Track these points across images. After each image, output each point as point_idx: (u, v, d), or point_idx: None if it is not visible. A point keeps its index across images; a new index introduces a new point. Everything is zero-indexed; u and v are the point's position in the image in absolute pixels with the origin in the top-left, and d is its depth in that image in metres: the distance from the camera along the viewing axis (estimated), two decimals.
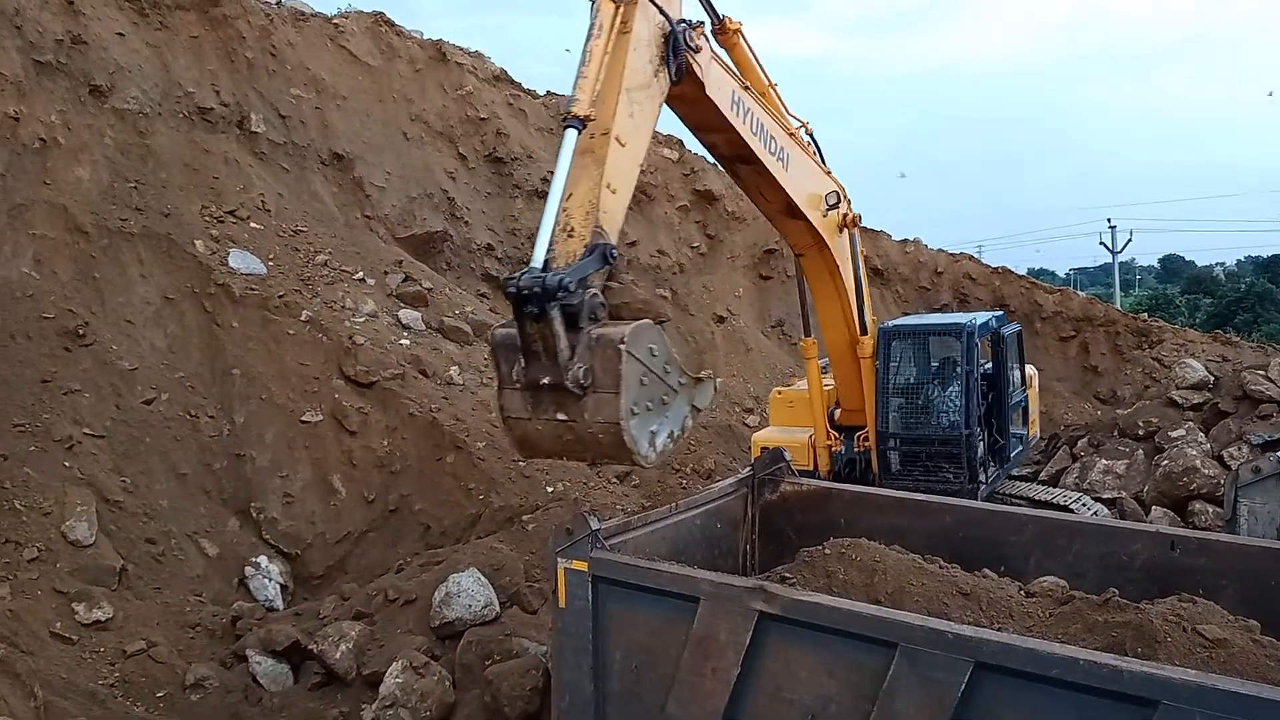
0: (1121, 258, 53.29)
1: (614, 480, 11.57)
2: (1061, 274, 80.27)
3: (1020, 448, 11.92)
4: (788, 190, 8.95)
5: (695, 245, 21.40)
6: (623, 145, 6.00)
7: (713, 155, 8.69)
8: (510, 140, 18.79)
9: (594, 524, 5.18)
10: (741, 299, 20.77)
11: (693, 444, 13.49)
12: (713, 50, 7.23)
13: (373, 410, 11.29)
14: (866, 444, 10.87)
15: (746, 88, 8.07)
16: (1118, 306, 29.95)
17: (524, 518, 10.01)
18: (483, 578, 8.69)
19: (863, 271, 10.85)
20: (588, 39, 5.90)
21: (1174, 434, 13.32)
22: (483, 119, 18.40)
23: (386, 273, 13.65)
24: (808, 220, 9.46)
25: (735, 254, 21.49)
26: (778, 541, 6.52)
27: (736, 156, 8.46)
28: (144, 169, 12.55)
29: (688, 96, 7.11)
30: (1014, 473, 12.41)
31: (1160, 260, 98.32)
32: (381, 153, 16.49)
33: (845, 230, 10.16)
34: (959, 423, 10.51)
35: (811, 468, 10.87)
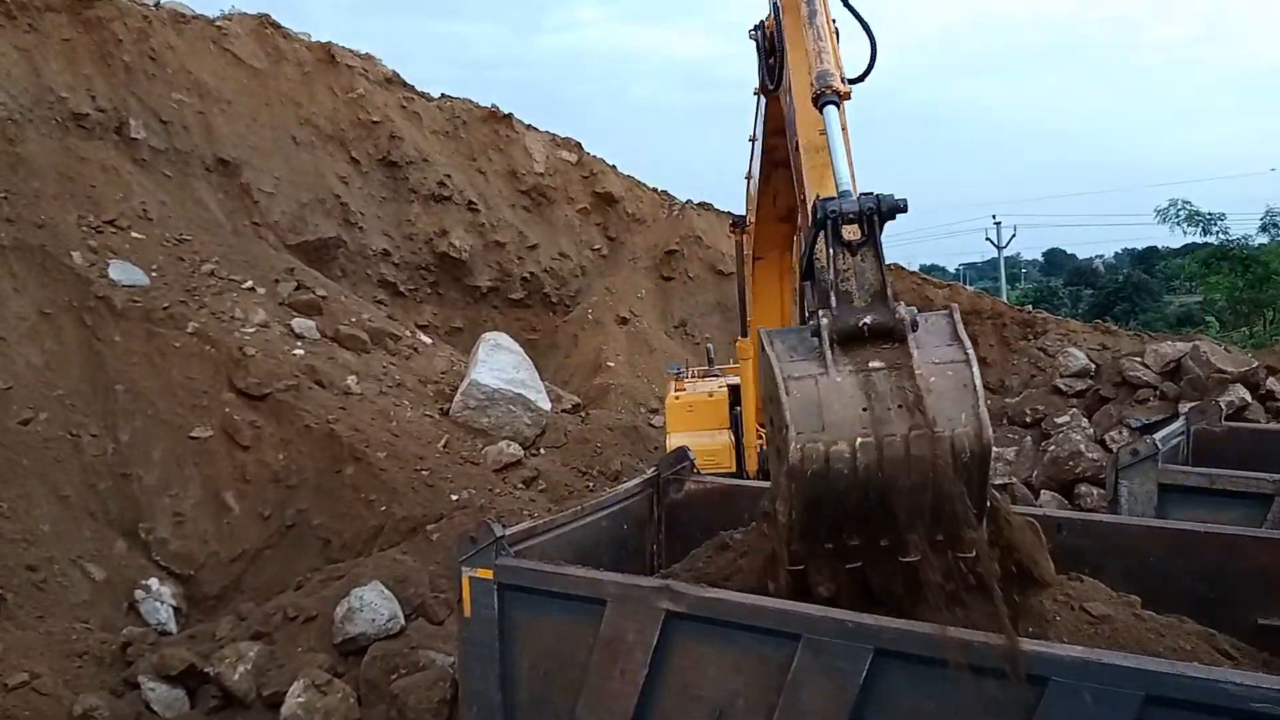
0: (1007, 252, 55.42)
1: (520, 486, 11.47)
2: (951, 269, 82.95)
3: None
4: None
5: (596, 247, 21.44)
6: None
7: (765, 159, 8.12)
8: (405, 144, 18.51)
9: (498, 530, 5.10)
10: (644, 300, 20.86)
11: (598, 446, 13.47)
12: None
13: (266, 423, 10.95)
14: None
15: None
16: (1004, 299, 31.06)
17: (428, 527, 9.86)
18: (386, 591, 8.53)
19: None
20: (813, 13, 5.24)
21: (1059, 420, 13.90)
22: (375, 122, 18.08)
23: (278, 281, 13.28)
24: (795, 224, 9.49)
25: (636, 255, 21.58)
26: (684, 540, 6.55)
27: (787, 161, 8.24)
28: (14, 178, 11.94)
29: None
30: None
31: (1044, 254, 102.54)
32: (269, 158, 16.05)
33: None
34: None
35: (734, 469, 10.86)
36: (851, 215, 4.25)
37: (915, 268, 27.16)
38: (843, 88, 4.92)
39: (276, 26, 17.54)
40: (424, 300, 18.78)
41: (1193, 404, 10.17)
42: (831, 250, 4.30)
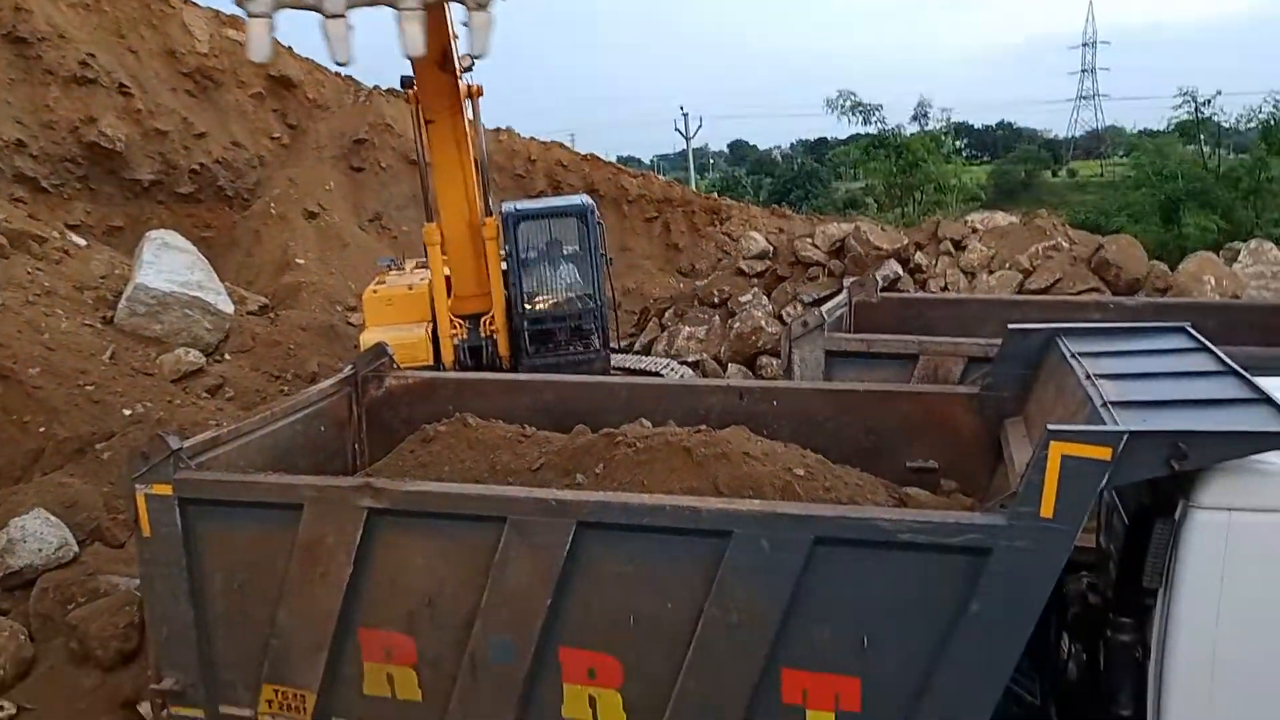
0: (696, 144, 57.54)
1: (204, 395, 10.67)
2: (646, 160, 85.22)
3: None
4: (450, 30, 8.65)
5: (275, 136, 19.92)
6: None
7: None
8: (35, 18, 16.12)
9: (174, 443, 4.72)
10: (333, 193, 19.74)
11: (291, 348, 12.77)
12: None
13: None
14: (493, 329, 10.99)
15: None
16: (693, 188, 32.46)
17: (98, 446, 8.98)
18: (52, 518, 7.75)
19: (485, 148, 10.89)
20: None
21: (743, 299, 14.87)
22: None
23: None
24: (455, 73, 9.21)
25: (321, 144, 20.31)
26: (387, 437, 6.41)
27: None
28: None
29: None
30: (613, 345, 13.05)
31: (729, 145, 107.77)
32: None
33: (471, 99, 10.11)
34: (592, 297, 11.01)
35: (431, 361, 10.75)
36: None
37: (613, 159, 27.67)
38: None
39: None
40: (73, 197, 16.65)
41: (854, 279, 11.21)
42: None
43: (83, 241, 13.00)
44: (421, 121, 10.05)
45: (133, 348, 10.83)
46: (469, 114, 10.38)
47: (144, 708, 6.26)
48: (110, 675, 6.85)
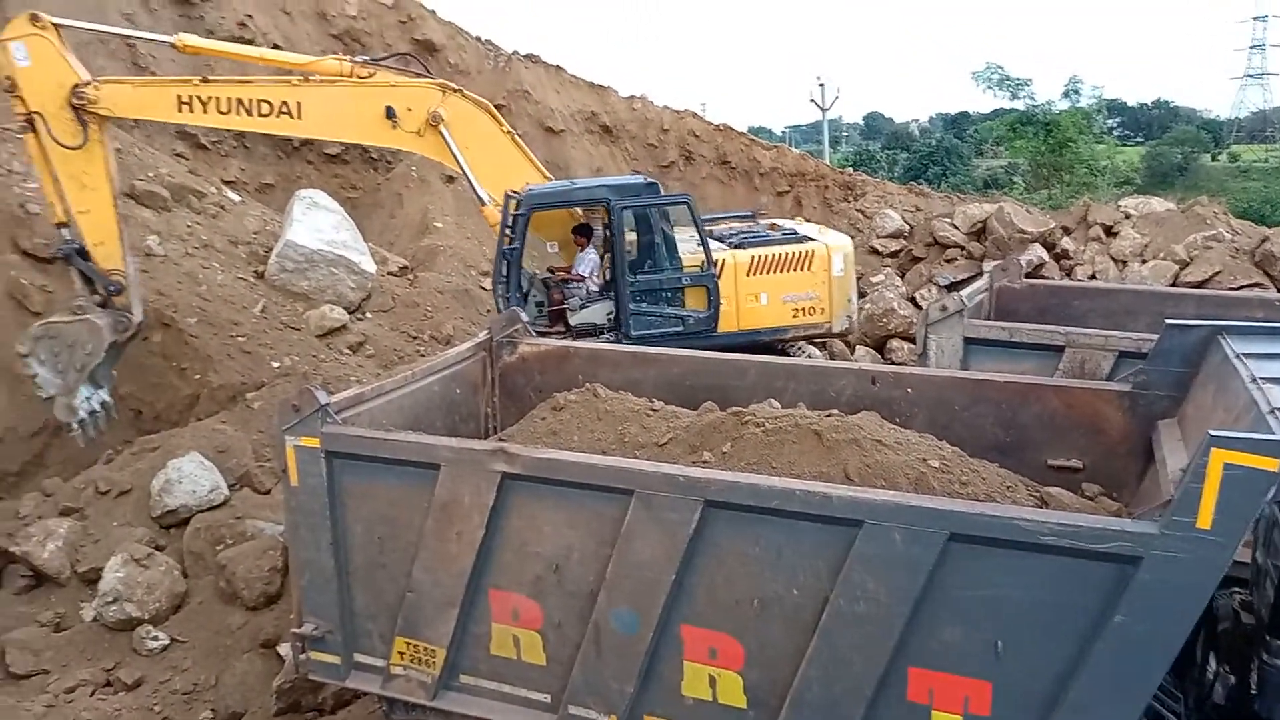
0: (830, 115, 56.27)
1: (346, 351, 11.10)
2: (777, 131, 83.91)
3: (675, 326, 10.41)
4: (311, 134, 10.16)
5: None
6: None
7: None
8: None
9: (322, 398, 4.94)
10: None
11: (429, 310, 13.15)
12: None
13: (59, 287, 10.03)
14: None
15: (206, 80, 9.03)
16: (827, 162, 31.78)
17: (248, 396, 9.45)
18: (206, 461, 8.21)
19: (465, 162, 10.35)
20: None
21: (875, 280, 14.55)
22: None
23: None
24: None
25: None
26: (519, 402, 6.55)
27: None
28: None
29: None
30: None
31: (864, 117, 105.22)
32: None
33: (432, 128, 9.63)
34: (502, 292, 9.97)
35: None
36: None
37: (744, 129, 27.27)
38: None
39: None
40: (229, 154, 17.47)
41: (996, 262, 10.79)
42: None
43: (237, 197, 13.66)
44: None
45: (281, 302, 11.34)
46: (437, 142, 9.71)
47: (284, 649, 6.59)
48: (254, 615, 7.25)
